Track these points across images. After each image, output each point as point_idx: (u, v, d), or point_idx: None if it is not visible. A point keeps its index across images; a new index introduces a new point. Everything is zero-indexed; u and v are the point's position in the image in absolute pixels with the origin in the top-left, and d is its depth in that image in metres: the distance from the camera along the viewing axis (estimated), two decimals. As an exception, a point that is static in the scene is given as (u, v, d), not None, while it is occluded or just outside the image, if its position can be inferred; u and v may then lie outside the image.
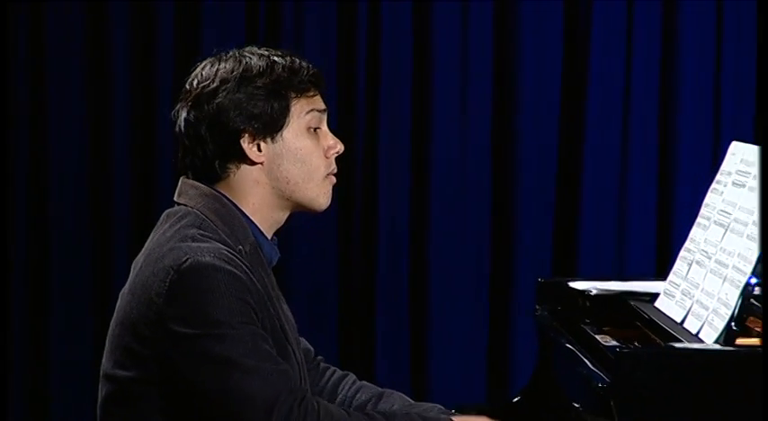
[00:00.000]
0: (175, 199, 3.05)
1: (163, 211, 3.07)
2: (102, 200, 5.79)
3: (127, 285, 2.99)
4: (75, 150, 5.77)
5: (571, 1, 5.81)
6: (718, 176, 3.37)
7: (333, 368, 3.41)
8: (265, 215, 3.04)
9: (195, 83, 3.03)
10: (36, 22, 5.73)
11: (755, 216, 3.11)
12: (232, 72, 3.00)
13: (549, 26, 5.79)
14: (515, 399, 3.66)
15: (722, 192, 3.32)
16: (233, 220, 2.99)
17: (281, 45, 5.48)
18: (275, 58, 3.02)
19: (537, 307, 3.73)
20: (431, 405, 3.31)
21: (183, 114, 3.02)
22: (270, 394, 2.84)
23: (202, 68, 3.04)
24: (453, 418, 3.07)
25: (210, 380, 2.84)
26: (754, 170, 3.20)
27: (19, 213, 5.75)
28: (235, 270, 2.87)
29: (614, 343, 3.14)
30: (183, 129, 3.02)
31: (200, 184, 3.02)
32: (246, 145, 2.99)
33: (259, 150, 3.00)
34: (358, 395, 3.34)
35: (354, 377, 3.40)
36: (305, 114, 3.03)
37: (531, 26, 5.79)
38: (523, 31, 5.79)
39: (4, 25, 5.69)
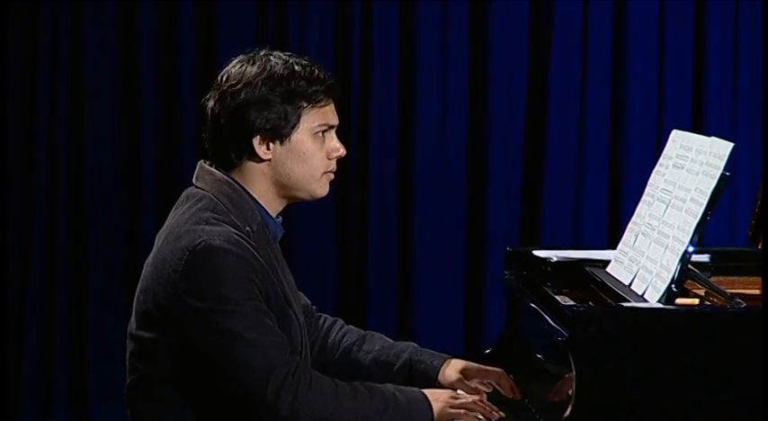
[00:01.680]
0: (194, 182, 3.04)
1: (182, 191, 3.07)
2: (131, 181, 5.77)
3: (150, 257, 2.99)
4: (109, 137, 5.75)
5: (536, 4, 5.80)
6: (660, 160, 3.37)
7: (325, 316, 3.41)
8: (270, 200, 3.04)
9: (225, 78, 3.00)
10: (76, 22, 5.72)
11: (692, 193, 3.11)
12: (256, 76, 2.97)
13: (516, 28, 5.78)
14: (487, 351, 3.66)
15: (664, 174, 3.32)
16: (242, 204, 2.98)
17: (287, 41, 5.55)
18: (296, 67, 2.99)
19: (505, 272, 3.72)
20: (406, 343, 3.34)
21: (210, 103, 3.01)
22: (268, 364, 2.85)
23: (233, 66, 3.02)
24: (426, 392, 3.04)
25: (217, 350, 2.85)
26: (692, 154, 3.20)
27: (60, 191, 5.74)
28: (241, 251, 2.88)
29: (571, 302, 3.13)
30: (208, 115, 3.02)
31: (215, 171, 3.01)
32: (257, 144, 2.98)
33: (268, 149, 2.99)
34: (345, 338, 3.34)
35: (342, 322, 3.40)
36: (314, 123, 3.00)
37: (501, 29, 5.78)
38: (495, 33, 5.78)
39: (41, 21, 5.71)
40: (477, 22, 5.80)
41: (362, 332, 3.37)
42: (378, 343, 3.33)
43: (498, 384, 3.23)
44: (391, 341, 3.35)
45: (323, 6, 5.77)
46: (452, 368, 3.26)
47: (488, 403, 3.11)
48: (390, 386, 3.05)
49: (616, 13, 5.78)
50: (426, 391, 3.05)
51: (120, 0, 5.72)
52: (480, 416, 3.06)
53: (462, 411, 3.04)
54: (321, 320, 3.39)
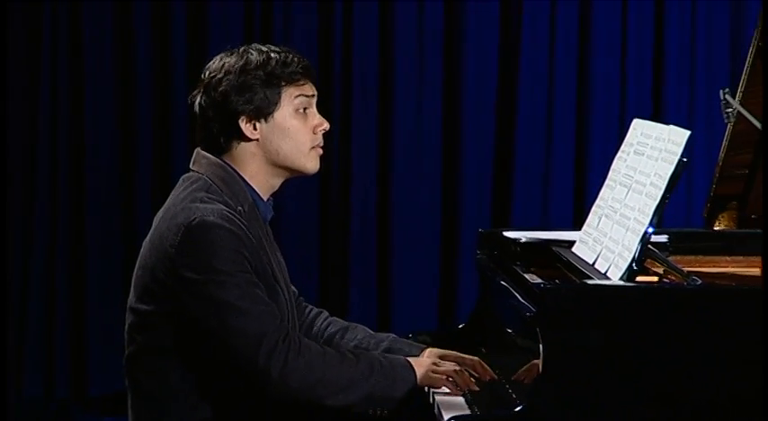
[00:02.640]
0: (191, 166, 3.07)
1: (180, 176, 3.08)
2: (130, 167, 5.79)
3: (149, 235, 3.01)
4: (108, 127, 5.77)
5: (506, 5, 5.80)
6: (623, 147, 3.37)
7: (311, 306, 3.41)
8: (262, 181, 3.05)
9: (207, 73, 3.04)
10: (75, 22, 5.71)
11: (652, 178, 3.12)
12: (234, 65, 3.00)
13: (487, 27, 5.79)
14: (461, 326, 3.67)
15: (626, 160, 3.32)
16: (234, 185, 3.00)
17: (272, 41, 5.54)
18: (272, 54, 3.02)
19: (478, 252, 3.72)
20: (386, 334, 3.33)
21: (197, 99, 3.04)
22: (259, 330, 2.86)
23: (213, 61, 3.05)
24: (411, 360, 3.04)
25: (211, 318, 2.86)
26: (651, 141, 3.20)
27: (62, 176, 5.75)
28: (233, 227, 2.89)
29: (539, 280, 3.12)
30: (196, 110, 3.04)
31: (210, 155, 3.03)
32: (244, 125, 3.00)
33: (255, 129, 3.01)
34: (329, 328, 3.34)
35: (327, 314, 3.40)
36: (294, 99, 3.02)
37: (473, 28, 5.79)
38: (468, 32, 5.79)
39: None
40: (451, 22, 5.80)
41: (346, 323, 3.37)
42: (360, 333, 3.33)
43: (474, 371, 3.23)
44: (372, 332, 3.35)
45: (307, 7, 5.76)
46: (431, 355, 3.24)
47: (467, 375, 3.12)
48: (376, 352, 3.07)
49: (582, 13, 5.79)
50: (410, 358, 3.06)
51: (117, 0, 5.71)
52: (459, 385, 3.07)
53: (444, 377, 3.05)
54: (307, 310, 3.39)
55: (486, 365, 3.22)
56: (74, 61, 5.72)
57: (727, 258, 3.69)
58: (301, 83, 3.04)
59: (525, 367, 3.07)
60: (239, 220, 2.93)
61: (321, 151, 3.09)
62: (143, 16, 5.73)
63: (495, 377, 3.21)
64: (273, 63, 3.01)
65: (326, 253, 5.86)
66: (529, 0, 5.79)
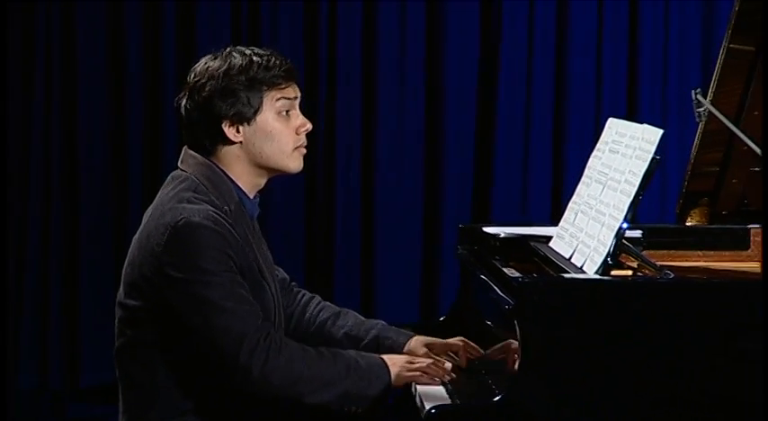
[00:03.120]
0: (179, 164, 3.05)
1: (169, 173, 3.06)
2: (122, 164, 5.78)
3: (138, 233, 2.99)
4: (100, 126, 5.76)
5: (485, 6, 5.80)
6: (598, 145, 3.37)
7: (304, 291, 3.40)
8: (247, 180, 3.03)
9: (192, 77, 3.01)
10: (68, 23, 5.70)
11: (626, 175, 3.12)
12: (218, 70, 2.97)
13: (467, 30, 5.79)
14: (442, 319, 3.67)
15: (601, 158, 3.32)
16: (221, 185, 2.98)
17: (259, 40, 5.55)
18: (254, 58, 2.99)
19: (458, 247, 3.72)
20: (375, 321, 3.33)
21: (183, 102, 3.01)
22: (242, 329, 2.85)
23: (198, 65, 3.02)
24: (384, 357, 3.04)
25: (195, 316, 2.85)
26: (626, 140, 3.20)
27: (55, 173, 5.74)
28: (218, 228, 2.88)
29: (517, 274, 3.13)
30: (182, 113, 3.02)
31: (197, 155, 3.01)
32: (227, 128, 2.98)
33: (238, 132, 2.98)
34: (321, 313, 3.33)
35: (320, 298, 3.39)
36: (276, 102, 3.00)
37: (454, 27, 5.79)
38: (449, 31, 5.79)
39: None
40: (432, 23, 5.80)
41: (338, 308, 3.36)
42: (350, 319, 3.32)
43: (461, 352, 3.23)
44: (363, 318, 3.34)
45: (293, 8, 5.76)
46: (417, 342, 3.24)
47: (441, 365, 3.12)
48: (353, 352, 3.05)
49: (559, 14, 5.79)
50: (385, 356, 3.05)
51: (109, 0, 5.70)
52: (435, 377, 3.07)
53: (418, 373, 3.05)
54: (299, 295, 3.38)
55: (471, 342, 3.22)
56: (67, 62, 5.71)
57: (699, 253, 3.70)
58: (283, 86, 3.01)
59: (503, 357, 3.07)
60: (225, 220, 2.92)
61: (304, 151, 3.07)
62: (134, 17, 5.71)
63: (480, 351, 3.21)
64: (255, 67, 2.98)
65: (312, 247, 5.85)
66: (508, 1, 5.78)
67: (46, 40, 5.69)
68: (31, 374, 5.73)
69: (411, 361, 3.07)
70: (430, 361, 3.10)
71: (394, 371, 3.00)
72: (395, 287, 5.79)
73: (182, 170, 3.02)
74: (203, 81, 2.98)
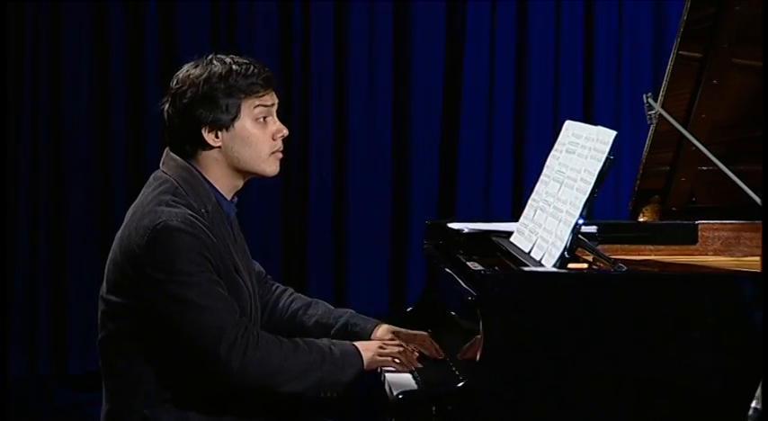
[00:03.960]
0: (160, 166, 3.02)
1: (150, 174, 3.04)
2: (106, 165, 5.77)
3: (120, 230, 2.97)
4: (85, 130, 5.75)
5: (450, 18, 5.81)
6: (556, 146, 3.37)
7: (278, 284, 3.39)
8: (225, 183, 3.01)
9: (174, 83, 2.98)
10: (55, 24, 5.69)
11: (582, 174, 3.12)
12: (198, 77, 2.94)
13: (433, 36, 5.79)
14: (409, 309, 3.66)
15: (558, 157, 3.32)
16: (199, 187, 2.96)
17: (235, 47, 5.54)
18: (233, 66, 2.96)
19: (425, 241, 3.71)
20: (344, 310, 3.33)
21: (165, 106, 2.99)
22: (220, 325, 2.84)
23: (181, 72, 2.99)
24: (356, 344, 3.04)
25: (175, 314, 2.84)
26: (582, 141, 3.20)
27: (43, 173, 5.73)
28: (195, 231, 2.86)
29: (480, 267, 3.13)
30: (165, 117, 2.99)
31: (178, 158, 2.99)
32: (206, 134, 2.95)
33: (217, 137, 2.96)
34: (293, 304, 3.32)
35: (292, 290, 3.38)
36: (253, 109, 2.97)
37: (420, 35, 5.79)
38: (415, 40, 5.79)
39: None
40: (400, 28, 5.80)
41: (309, 299, 3.35)
42: (321, 308, 3.31)
43: (423, 347, 3.22)
44: (332, 307, 3.34)
45: (267, 10, 5.75)
46: (384, 330, 3.24)
47: (411, 352, 3.11)
48: (326, 340, 3.04)
49: (519, 23, 5.80)
50: (357, 343, 3.05)
51: (94, 2, 5.68)
52: (404, 364, 3.08)
53: (389, 359, 3.05)
54: (273, 287, 3.37)
55: (433, 341, 3.23)
56: (54, 67, 5.70)
57: (650, 247, 3.71)
58: (261, 94, 2.99)
59: (467, 346, 3.07)
60: (202, 223, 2.90)
61: (281, 155, 3.04)
62: (118, 24, 5.71)
63: (441, 353, 3.21)
64: (234, 75, 2.95)
65: (287, 243, 5.85)
66: (472, 9, 5.78)
67: (33, 44, 5.68)
68: (20, 361, 5.71)
69: (382, 347, 3.07)
70: (401, 347, 3.10)
71: (366, 356, 3.00)
72: (365, 280, 5.79)
73: (163, 171, 3.00)
74: (184, 88, 2.95)
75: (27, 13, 5.66)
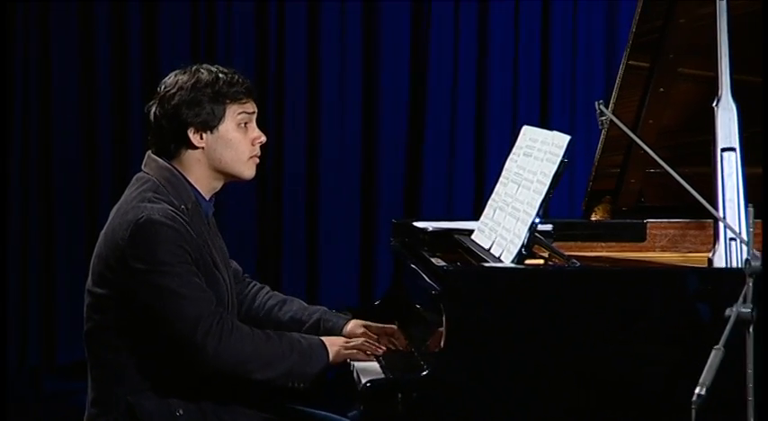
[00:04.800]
0: (142, 167, 3.01)
1: (134, 175, 3.03)
2: (92, 167, 5.75)
3: (105, 227, 2.96)
4: (73, 134, 5.74)
5: (415, 32, 5.81)
6: (514, 149, 3.38)
7: (254, 282, 3.38)
8: (204, 183, 3.00)
9: (162, 88, 2.98)
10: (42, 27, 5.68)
11: (538, 176, 3.12)
12: (187, 82, 2.95)
13: (399, 50, 5.80)
14: (377, 303, 3.65)
15: (516, 160, 3.32)
16: (179, 186, 2.95)
17: (216, 53, 5.53)
18: (220, 75, 2.97)
19: (392, 239, 3.71)
20: (318, 307, 3.32)
21: (153, 109, 2.98)
22: (197, 313, 2.83)
23: (168, 77, 2.99)
24: (323, 339, 3.03)
25: (156, 302, 2.83)
26: (538, 145, 3.21)
27: (32, 175, 5.72)
28: (175, 224, 2.86)
29: (443, 263, 3.13)
30: (151, 119, 2.98)
31: (159, 159, 2.98)
32: (192, 135, 2.95)
33: (201, 139, 2.96)
34: (269, 300, 3.32)
35: (268, 288, 3.37)
36: (237, 115, 2.98)
37: (388, 48, 5.80)
38: (383, 52, 5.80)
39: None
40: (369, 41, 5.81)
41: (284, 296, 3.35)
42: (295, 305, 3.31)
43: (391, 338, 3.22)
44: (306, 305, 3.33)
45: (244, 10, 5.73)
46: (354, 325, 3.24)
47: (373, 341, 3.12)
48: (296, 334, 3.05)
49: (480, 34, 5.81)
50: (324, 338, 3.05)
51: (79, 2, 5.67)
52: (368, 353, 3.08)
53: (354, 351, 3.05)
54: (251, 285, 3.36)
55: (400, 333, 3.24)
56: (43, 74, 5.69)
57: (602, 244, 3.72)
58: (244, 101, 2.99)
59: (431, 337, 3.07)
60: (182, 218, 2.89)
61: (258, 160, 3.04)
62: (103, 34, 5.69)
63: (407, 344, 3.21)
64: (221, 82, 2.96)
65: (263, 242, 5.85)
66: (435, 25, 5.79)
67: (24, 51, 5.65)
68: (11, 352, 5.68)
69: (347, 341, 3.08)
70: (363, 338, 3.10)
71: (332, 350, 3.00)
72: (336, 275, 5.79)
73: (144, 172, 2.99)
74: (173, 91, 2.95)
75: (18, 15, 5.63)
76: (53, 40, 5.67)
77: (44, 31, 5.66)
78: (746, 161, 3.13)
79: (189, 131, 2.95)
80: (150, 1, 5.71)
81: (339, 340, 3.07)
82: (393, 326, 3.26)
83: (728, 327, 2.52)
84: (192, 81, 2.95)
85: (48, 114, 5.71)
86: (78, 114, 5.73)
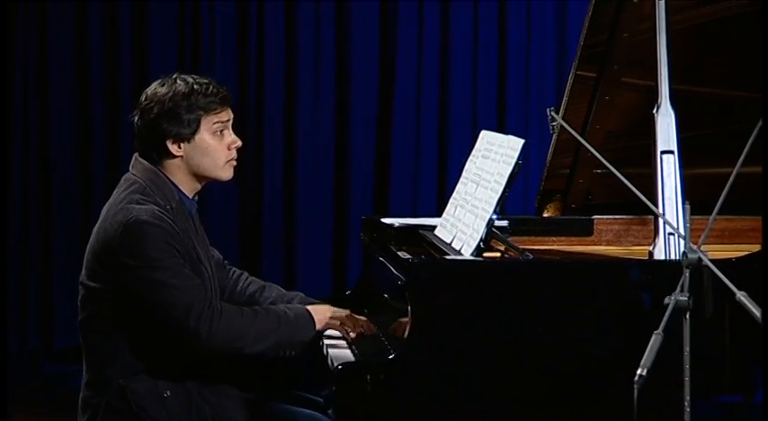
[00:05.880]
0: (130, 169, 2.99)
1: (122, 176, 3.01)
2: (87, 168, 5.72)
3: (97, 225, 2.95)
4: (69, 140, 5.72)
5: (383, 46, 5.80)
6: (473, 152, 3.38)
7: (234, 269, 3.36)
8: (187, 185, 2.98)
9: (143, 99, 2.95)
10: (41, 46, 5.64)
11: (495, 176, 3.13)
12: (165, 95, 2.91)
13: (369, 62, 5.79)
14: (348, 292, 3.65)
15: (475, 162, 3.33)
16: (164, 188, 2.93)
17: (199, 68, 5.50)
18: (195, 86, 2.92)
19: (362, 234, 3.71)
20: (295, 293, 3.31)
21: (135, 119, 2.96)
22: (188, 302, 2.82)
23: (149, 89, 2.96)
24: (308, 308, 3.02)
25: (149, 294, 2.82)
26: (495, 148, 3.21)
27: (30, 172, 5.68)
28: (162, 223, 2.84)
29: (409, 256, 3.13)
30: (135, 128, 2.96)
31: (145, 162, 2.96)
32: (170, 144, 2.93)
33: (179, 148, 2.93)
34: (249, 286, 3.30)
35: (248, 274, 3.35)
36: (212, 124, 2.94)
37: (359, 60, 5.79)
38: (354, 65, 5.79)
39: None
40: (341, 51, 5.80)
41: (263, 282, 3.33)
42: (274, 291, 3.30)
43: (362, 328, 3.21)
44: (284, 291, 3.32)
45: (226, 10, 5.72)
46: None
47: (356, 320, 3.11)
48: (282, 306, 3.05)
49: (442, 45, 5.81)
50: (309, 307, 3.04)
51: (74, 8, 5.63)
52: (347, 329, 3.08)
53: (338, 322, 3.06)
54: (231, 272, 3.34)
55: (369, 322, 3.22)
56: (41, 81, 5.66)
57: (553, 238, 3.73)
58: (218, 111, 2.95)
59: (397, 323, 3.07)
60: (167, 217, 2.88)
61: (234, 163, 3.01)
62: (97, 43, 5.66)
63: (375, 330, 3.21)
64: (195, 94, 2.92)
65: (244, 234, 5.82)
66: (402, 35, 5.78)
67: (24, 57, 5.61)
68: (12, 338, 5.65)
69: (333, 310, 3.07)
70: (348, 312, 3.09)
71: (318, 318, 2.99)
72: (311, 266, 5.77)
73: (132, 174, 2.97)
74: (152, 105, 2.92)
75: (18, 15, 5.58)
76: (51, 40, 5.63)
77: (43, 32, 5.62)
78: (684, 163, 3.16)
79: (167, 142, 2.92)
80: (140, 3, 5.67)
81: (323, 309, 3.05)
82: (362, 317, 3.24)
83: (667, 314, 2.54)
84: (170, 94, 2.91)
85: (47, 114, 5.67)
86: (74, 117, 5.70)
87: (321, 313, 3.02)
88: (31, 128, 5.66)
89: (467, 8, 5.79)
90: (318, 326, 2.99)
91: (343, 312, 3.09)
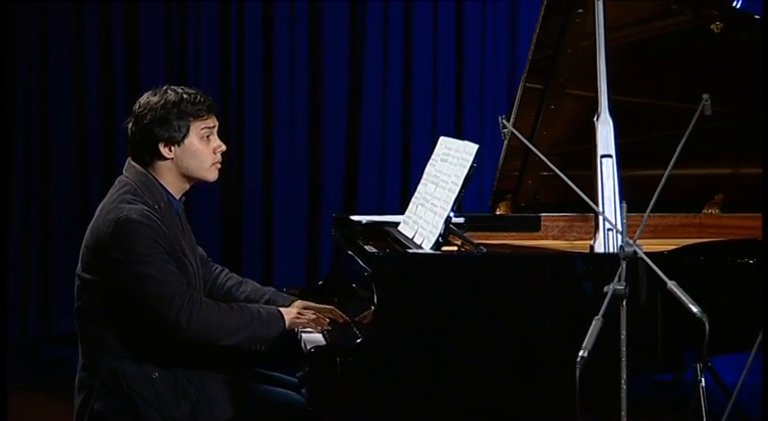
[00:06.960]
0: (123, 172, 2.99)
1: (118, 175, 3.00)
2: (84, 169, 5.67)
3: (91, 222, 2.94)
4: (68, 142, 5.66)
5: (352, 57, 5.79)
6: (433, 156, 3.38)
7: (216, 265, 3.35)
8: (175, 186, 2.98)
9: (137, 107, 2.95)
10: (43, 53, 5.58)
11: (452, 178, 3.13)
12: (157, 103, 2.92)
13: (339, 70, 5.77)
14: (320, 283, 3.65)
15: (435, 165, 3.33)
16: (153, 189, 2.93)
17: (186, 79, 5.47)
18: (184, 95, 2.94)
19: (333, 230, 3.71)
20: (268, 288, 3.29)
21: (129, 125, 2.96)
22: (170, 294, 2.82)
23: (142, 98, 2.96)
24: (280, 309, 3.02)
25: (136, 286, 2.81)
26: (452, 152, 3.22)
27: (30, 172, 5.63)
28: (150, 222, 2.85)
29: (374, 250, 3.14)
30: (129, 134, 2.96)
31: (137, 165, 2.96)
32: (162, 147, 2.93)
33: (170, 151, 2.93)
34: (228, 282, 3.29)
35: (228, 270, 3.34)
36: (200, 130, 2.95)
37: (330, 70, 5.77)
38: (325, 76, 5.77)
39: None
40: (314, 59, 5.77)
41: (240, 278, 3.32)
42: (249, 286, 3.29)
43: (330, 314, 3.21)
44: (259, 286, 3.31)
45: (209, 11, 5.68)
46: (297, 306, 3.20)
47: (323, 317, 3.11)
48: (256, 305, 3.04)
49: (405, 60, 5.81)
50: (281, 309, 3.04)
51: (71, 12, 5.58)
52: (315, 325, 3.07)
53: (306, 321, 3.05)
54: (213, 268, 3.33)
55: (338, 311, 3.22)
56: (42, 85, 5.61)
57: (505, 234, 3.75)
58: (205, 117, 2.97)
59: (364, 311, 3.07)
60: (156, 216, 2.88)
61: (220, 165, 3.02)
62: (92, 53, 5.61)
63: (345, 318, 3.21)
64: (185, 103, 2.93)
65: (226, 231, 5.79)
66: (370, 51, 5.78)
67: (27, 61, 5.56)
68: (15, 324, 5.61)
69: (301, 312, 3.06)
70: (314, 315, 3.09)
71: (287, 318, 2.99)
72: (287, 259, 5.75)
73: (125, 176, 2.97)
74: (145, 112, 2.92)
75: (19, 15, 5.53)
76: (52, 39, 5.58)
77: (43, 32, 5.57)
78: (621, 165, 3.18)
79: (159, 145, 2.92)
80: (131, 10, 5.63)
81: (293, 311, 3.05)
82: (331, 306, 3.24)
83: (606, 301, 2.56)
84: (161, 102, 2.92)
85: (46, 114, 5.63)
86: (72, 120, 5.66)
87: (291, 313, 3.02)
88: (32, 128, 5.62)
89: (427, 27, 5.78)
90: (288, 326, 2.99)
91: (309, 314, 3.07)
